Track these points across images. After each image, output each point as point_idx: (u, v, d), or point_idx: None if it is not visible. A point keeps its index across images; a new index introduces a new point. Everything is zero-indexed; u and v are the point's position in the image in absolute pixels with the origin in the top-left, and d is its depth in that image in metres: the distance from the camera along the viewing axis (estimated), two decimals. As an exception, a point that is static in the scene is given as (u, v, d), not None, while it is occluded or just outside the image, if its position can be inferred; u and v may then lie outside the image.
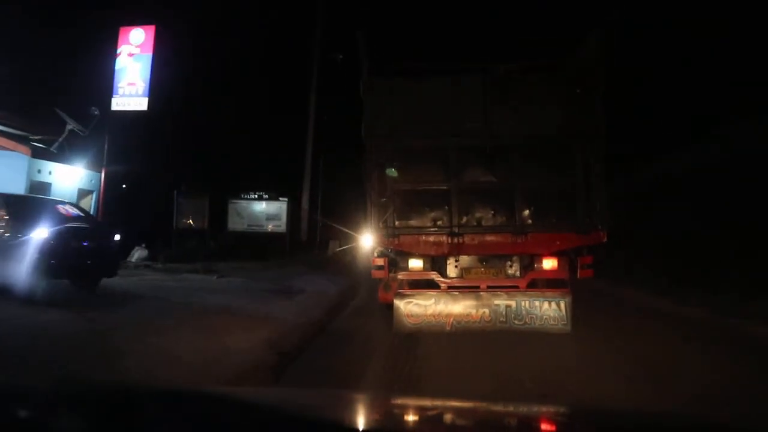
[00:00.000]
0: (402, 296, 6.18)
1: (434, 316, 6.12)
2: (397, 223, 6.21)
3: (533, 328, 6.02)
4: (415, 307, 6.15)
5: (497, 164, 6.18)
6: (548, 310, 6.05)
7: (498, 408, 2.02)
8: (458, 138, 6.13)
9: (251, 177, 20.36)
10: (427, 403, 2.15)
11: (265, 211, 19.09)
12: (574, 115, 6.12)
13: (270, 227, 18.94)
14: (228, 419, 1.45)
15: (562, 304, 6.03)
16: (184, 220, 18.22)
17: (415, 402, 2.22)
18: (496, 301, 6.08)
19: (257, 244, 17.51)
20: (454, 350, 5.80)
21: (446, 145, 6.17)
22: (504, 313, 6.07)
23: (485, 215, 6.20)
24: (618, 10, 13.06)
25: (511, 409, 2.04)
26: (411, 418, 1.79)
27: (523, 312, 6.06)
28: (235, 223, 18.81)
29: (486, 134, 6.09)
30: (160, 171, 18.74)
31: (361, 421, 1.68)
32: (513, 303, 6.07)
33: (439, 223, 6.20)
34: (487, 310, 6.08)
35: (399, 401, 2.32)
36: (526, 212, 6.14)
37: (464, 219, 6.17)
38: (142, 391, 1.83)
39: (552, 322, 6.02)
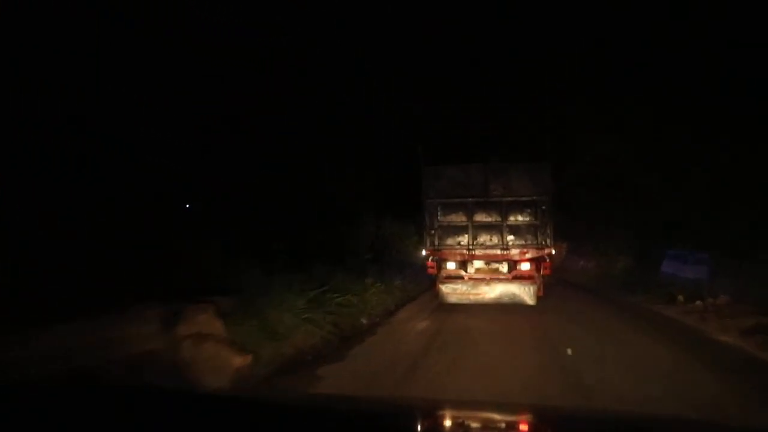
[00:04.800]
0: (443, 282, 11.35)
1: (461, 294, 11.22)
2: (439, 242, 11.44)
3: (515, 301, 11.04)
4: (450, 290, 11.27)
5: (493, 211, 11.37)
6: (523, 291, 11.07)
7: (505, 412, 2.17)
8: (472, 198, 11.39)
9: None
10: (429, 403, 2.21)
11: None
12: (537, 185, 11.32)
13: None
14: (227, 422, 1.49)
15: (532, 289, 11.03)
16: None
17: (408, 405, 2.30)
18: (495, 286, 11.16)
19: None
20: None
21: (466, 201, 11.41)
22: (499, 293, 11.12)
23: (487, 239, 11.37)
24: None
25: (519, 413, 2.21)
26: (408, 421, 1.93)
27: (510, 293, 11.10)
28: None
29: (486, 196, 11.35)
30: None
31: (358, 425, 1.73)
32: (504, 288, 11.13)
33: (462, 243, 11.38)
34: (489, 291, 11.16)
35: (396, 403, 2.41)
36: (510, 237, 11.27)
37: (476, 241, 11.34)
38: (144, 391, 1.95)
39: (525, 298, 11.04)
